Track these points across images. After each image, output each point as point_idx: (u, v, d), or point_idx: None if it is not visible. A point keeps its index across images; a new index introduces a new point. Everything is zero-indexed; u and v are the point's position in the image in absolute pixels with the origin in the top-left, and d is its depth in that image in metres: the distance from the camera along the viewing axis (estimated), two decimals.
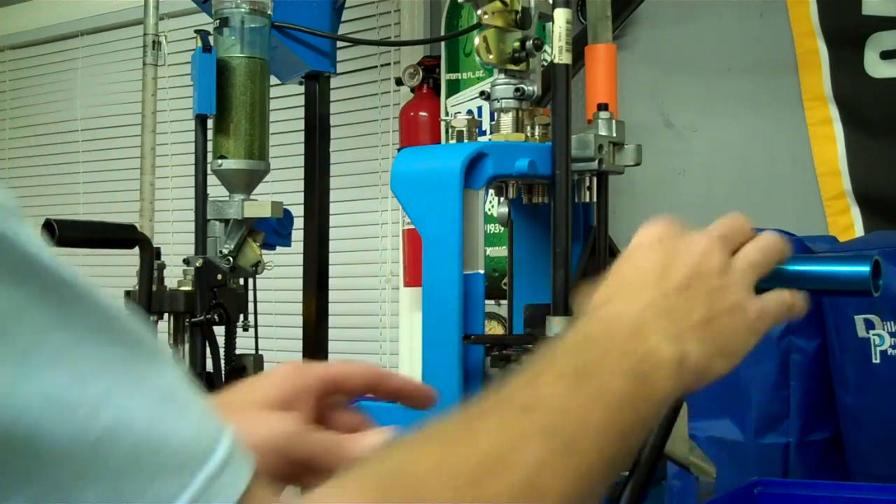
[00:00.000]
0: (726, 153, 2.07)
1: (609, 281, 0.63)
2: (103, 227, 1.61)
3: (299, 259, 1.93)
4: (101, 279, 3.30)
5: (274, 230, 1.72)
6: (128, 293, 1.59)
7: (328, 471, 0.56)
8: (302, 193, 1.93)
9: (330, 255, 1.95)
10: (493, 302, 2.06)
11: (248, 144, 1.64)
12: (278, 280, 2.21)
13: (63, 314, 0.34)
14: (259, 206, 1.64)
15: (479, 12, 1.04)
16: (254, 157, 1.64)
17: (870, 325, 1.35)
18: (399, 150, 1.91)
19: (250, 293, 1.68)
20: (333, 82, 1.97)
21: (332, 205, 1.95)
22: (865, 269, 0.73)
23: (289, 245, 1.78)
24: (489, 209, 1.34)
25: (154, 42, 1.94)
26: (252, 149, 1.64)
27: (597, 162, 1.08)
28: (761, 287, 0.68)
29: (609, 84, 1.26)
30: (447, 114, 2.29)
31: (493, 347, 1.06)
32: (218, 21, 1.65)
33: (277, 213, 1.66)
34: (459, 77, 2.32)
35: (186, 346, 1.60)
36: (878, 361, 1.35)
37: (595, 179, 1.16)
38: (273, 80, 1.73)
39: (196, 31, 1.65)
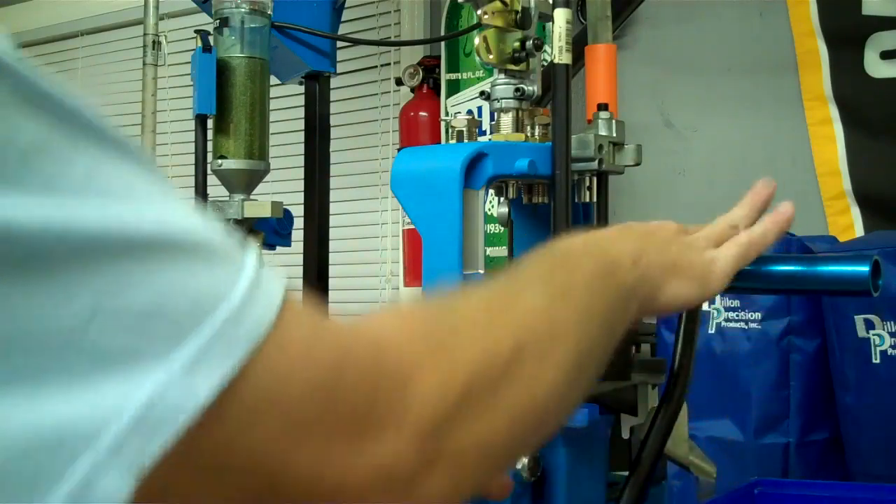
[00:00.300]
0: (726, 153, 2.07)
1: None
2: None
3: (299, 259, 1.93)
4: None
5: (274, 230, 1.72)
6: None
7: None
8: (302, 193, 1.93)
9: (330, 255, 1.95)
10: None
11: (248, 144, 1.63)
12: None
13: (80, 141, 0.35)
14: (259, 206, 1.64)
15: (479, 12, 1.04)
16: (254, 157, 1.64)
17: (870, 325, 1.35)
18: (399, 150, 1.91)
19: None
20: (333, 82, 1.97)
21: (332, 205, 1.95)
22: (865, 269, 0.73)
23: (289, 245, 1.78)
24: (489, 209, 1.34)
25: (154, 42, 1.94)
26: (252, 149, 1.64)
27: (597, 162, 1.08)
28: (761, 288, 0.70)
29: (609, 84, 1.26)
30: (447, 114, 2.29)
31: None
32: (218, 21, 1.65)
33: (277, 213, 1.66)
34: (459, 77, 2.32)
35: None
36: (878, 361, 1.35)
37: (595, 179, 1.16)
38: (273, 80, 1.73)
39: (196, 31, 1.65)
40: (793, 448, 1.47)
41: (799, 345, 1.47)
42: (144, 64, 1.96)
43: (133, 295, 0.34)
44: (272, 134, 1.70)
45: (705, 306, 1.55)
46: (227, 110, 1.63)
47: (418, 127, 2.33)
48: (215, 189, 1.68)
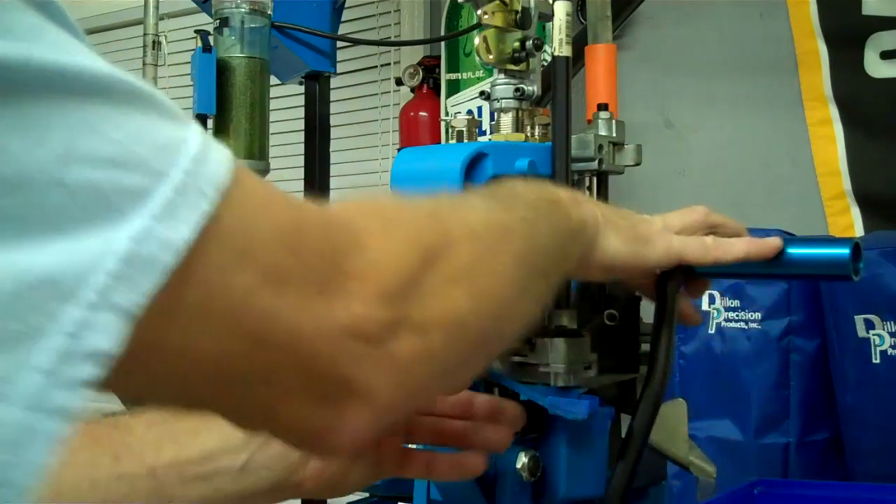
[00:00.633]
0: (726, 153, 2.07)
1: None
2: None
3: None
4: None
5: None
6: None
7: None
8: (302, 194, 1.93)
9: None
10: None
11: (248, 144, 1.64)
12: None
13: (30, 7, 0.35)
14: None
15: (479, 12, 1.04)
16: (254, 156, 1.64)
17: (870, 325, 1.35)
18: (399, 150, 1.91)
19: None
20: (333, 82, 1.97)
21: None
22: (845, 251, 0.72)
23: None
24: None
25: (154, 42, 1.94)
26: (252, 149, 1.64)
27: (597, 162, 1.08)
28: (737, 272, 0.71)
29: (609, 84, 1.26)
30: (447, 114, 2.29)
31: None
32: (218, 21, 1.65)
33: None
34: (459, 77, 2.32)
35: None
36: (878, 361, 1.35)
37: (595, 179, 1.16)
38: (273, 80, 1.73)
39: (196, 31, 1.65)
40: (793, 448, 1.47)
41: (799, 345, 1.48)
42: (144, 64, 1.96)
43: (104, 138, 0.35)
44: (272, 134, 1.70)
45: (705, 306, 1.55)
46: (227, 110, 1.63)
47: (418, 127, 2.33)
48: None
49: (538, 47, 1.05)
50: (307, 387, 0.44)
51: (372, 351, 0.45)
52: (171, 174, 0.36)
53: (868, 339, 1.35)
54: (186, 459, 0.55)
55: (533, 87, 1.08)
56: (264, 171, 1.67)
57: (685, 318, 0.81)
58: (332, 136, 1.98)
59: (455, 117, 1.17)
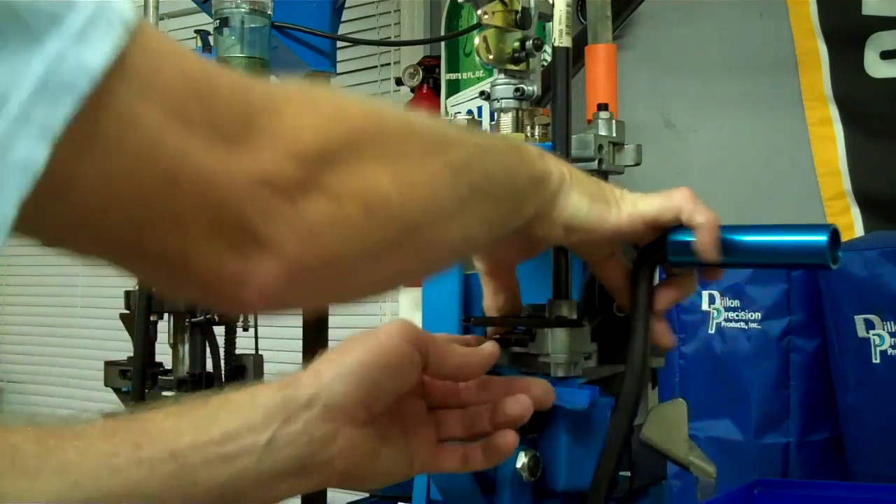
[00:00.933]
0: (726, 153, 2.07)
1: None
2: None
3: None
4: (101, 279, 3.30)
5: None
6: (128, 293, 1.59)
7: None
8: None
9: None
10: None
11: None
12: None
13: None
14: None
15: (479, 12, 1.04)
16: None
17: (870, 325, 1.35)
18: None
19: None
20: (333, 82, 1.97)
21: None
22: (822, 238, 0.67)
23: None
24: None
25: None
26: None
27: (597, 162, 1.08)
28: (701, 264, 0.68)
29: (609, 84, 1.26)
30: (447, 114, 2.29)
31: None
32: (218, 21, 1.65)
33: None
34: (459, 77, 2.32)
35: (186, 346, 1.60)
36: (878, 361, 1.35)
37: None
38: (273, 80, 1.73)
39: (196, 31, 1.65)
40: (793, 448, 1.47)
41: (799, 345, 1.48)
42: None
43: None
44: None
45: (705, 306, 1.55)
46: None
47: None
48: None
49: (538, 47, 1.05)
50: (217, 233, 0.45)
51: (279, 204, 0.46)
52: (81, 4, 0.38)
53: (868, 339, 1.35)
54: (207, 440, 0.54)
55: (533, 87, 1.08)
56: None
57: (657, 337, 0.75)
58: None
59: (455, 117, 1.17)
